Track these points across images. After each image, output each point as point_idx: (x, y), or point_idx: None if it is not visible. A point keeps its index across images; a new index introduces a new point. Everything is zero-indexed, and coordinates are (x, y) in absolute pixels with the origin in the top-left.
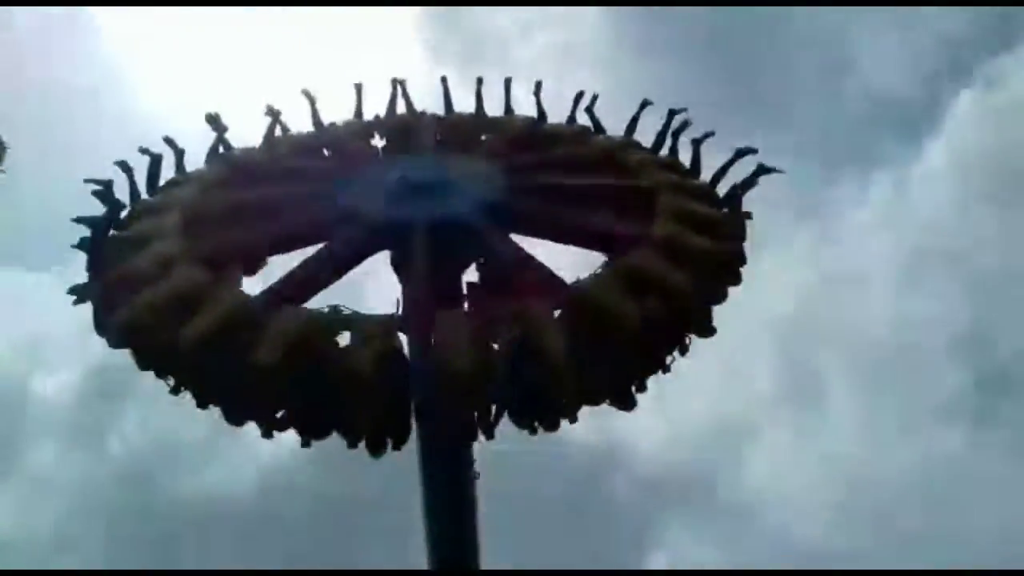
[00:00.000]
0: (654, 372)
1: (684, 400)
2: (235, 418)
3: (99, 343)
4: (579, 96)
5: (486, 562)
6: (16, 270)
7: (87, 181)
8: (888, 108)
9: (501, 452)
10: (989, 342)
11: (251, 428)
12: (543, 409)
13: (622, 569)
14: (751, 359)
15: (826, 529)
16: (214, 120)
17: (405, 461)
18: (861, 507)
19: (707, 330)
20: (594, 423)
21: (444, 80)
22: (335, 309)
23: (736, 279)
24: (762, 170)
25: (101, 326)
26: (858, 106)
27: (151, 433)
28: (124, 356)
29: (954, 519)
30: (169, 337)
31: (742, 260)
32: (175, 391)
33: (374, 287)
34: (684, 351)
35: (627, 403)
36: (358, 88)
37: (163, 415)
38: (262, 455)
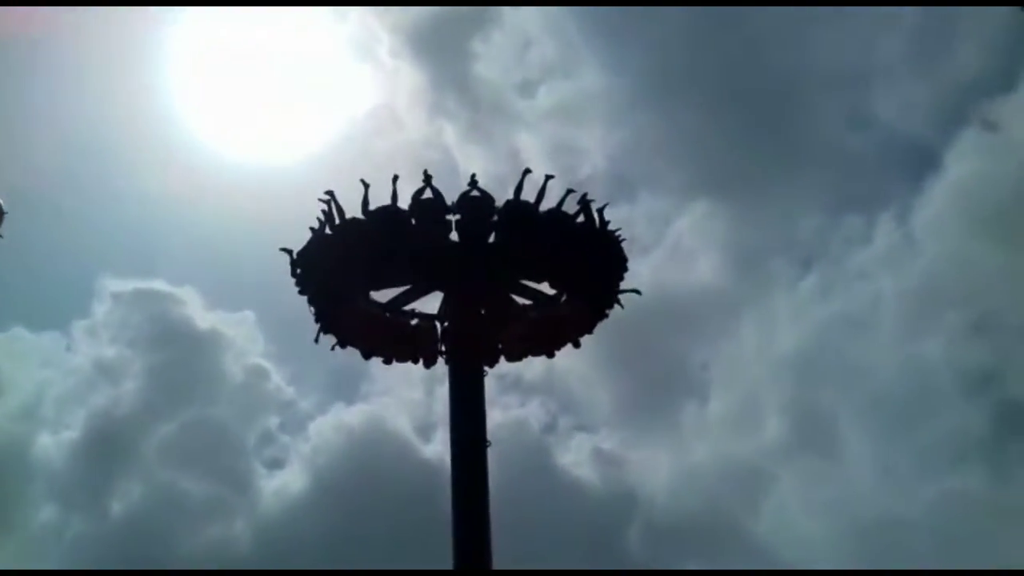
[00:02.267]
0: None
1: (699, 448)
2: None
3: (100, 402)
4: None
5: None
6: (18, 330)
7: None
8: (892, 150)
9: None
10: (1002, 381)
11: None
12: None
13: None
14: (764, 405)
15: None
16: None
17: (400, 522)
18: (879, 550)
19: None
20: (610, 473)
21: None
22: None
23: None
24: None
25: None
26: (863, 149)
27: (151, 491)
28: (125, 415)
29: (975, 557)
30: None
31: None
32: None
33: None
34: None
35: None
36: (394, 179)
37: (162, 473)
38: (260, 512)
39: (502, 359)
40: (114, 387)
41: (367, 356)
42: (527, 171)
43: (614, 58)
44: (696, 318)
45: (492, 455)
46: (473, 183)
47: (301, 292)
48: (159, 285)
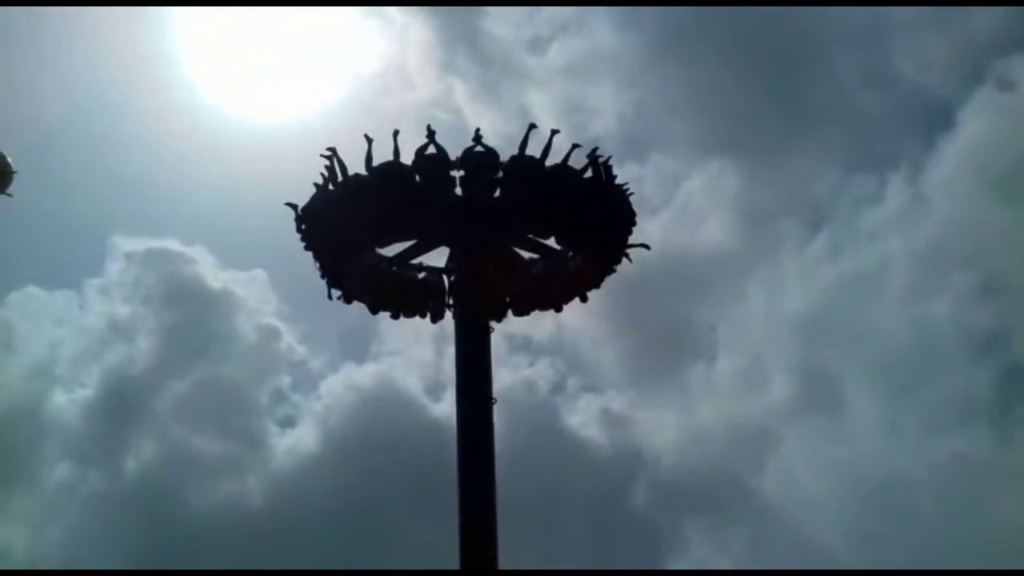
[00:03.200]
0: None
1: (706, 407)
2: None
3: (114, 361)
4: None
5: (511, 565)
6: (32, 289)
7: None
8: (907, 109)
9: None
10: (1008, 343)
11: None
12: None
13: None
14: (771, 366)
15: (848, 533)
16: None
17: (415, 482)
18: (884, 510)
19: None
20: (618, 433)
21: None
22: None
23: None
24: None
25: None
26: (878, 107)
27: (164, 449)
28: (139, 373)
29: (979, 519)
30: None
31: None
32: None
33: None
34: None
35: None
36: (395, 134)
37: (176, 431)
38: (272, 469)
39: (509, 313)
40: (128, 346)
41: (374, 311)
42: (532, 126)
43: (626, 15)
44: (705, 279)
45: (501, 415)
46: (478, 138)
47: (307, 247)
48: (171, 244)
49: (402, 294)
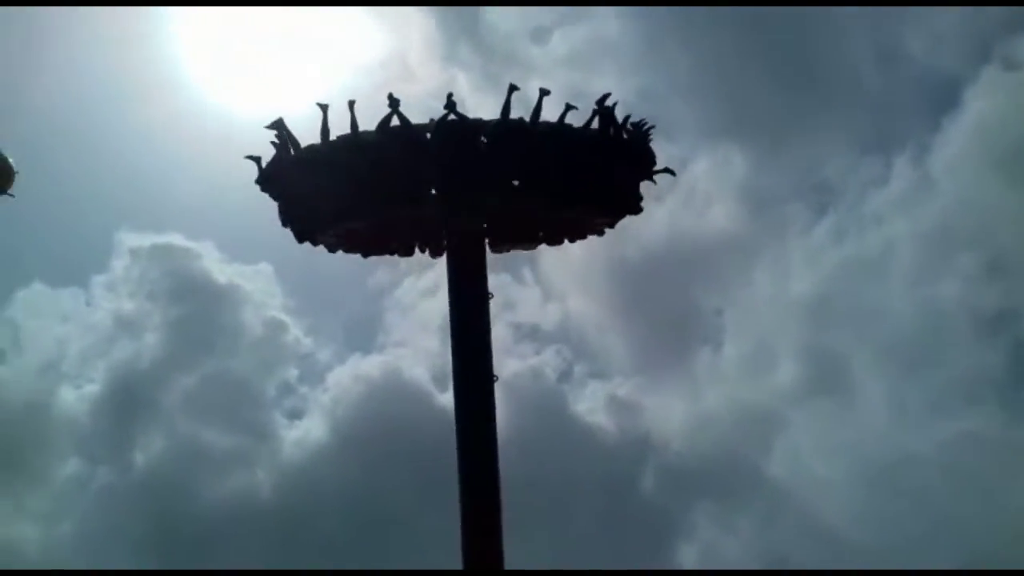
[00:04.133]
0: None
1: (713, 392)
2: None
3: (121, 356)
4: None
5: (519, 551)
6: (38, 287)
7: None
8: (915, 89)
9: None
10: (1016, 322)
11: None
12: None
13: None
14: (778, 350)
15: (858, 514)
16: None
17: (423, 472)
18: (893, 491)
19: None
20: (625, 420)
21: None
22: None
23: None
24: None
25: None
26: (887, 87)
27: (173, 443)
28: (146, 368)
29: (988, 498)
30: None
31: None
32: None
33: None
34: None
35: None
36: (351, 104)
37: (184, 425)
38: (281, 461)
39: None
40: (134, 341)
41: (367, 255)
42: (513, 87)
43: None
44: (711, 263)
45: (508, 405)
46: (450, 105)
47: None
48: (176, 239)
49: (394, 229)
